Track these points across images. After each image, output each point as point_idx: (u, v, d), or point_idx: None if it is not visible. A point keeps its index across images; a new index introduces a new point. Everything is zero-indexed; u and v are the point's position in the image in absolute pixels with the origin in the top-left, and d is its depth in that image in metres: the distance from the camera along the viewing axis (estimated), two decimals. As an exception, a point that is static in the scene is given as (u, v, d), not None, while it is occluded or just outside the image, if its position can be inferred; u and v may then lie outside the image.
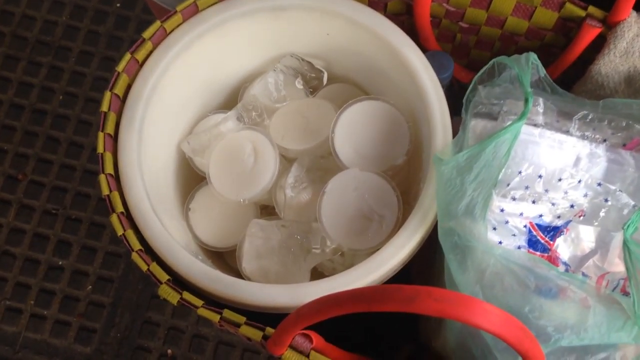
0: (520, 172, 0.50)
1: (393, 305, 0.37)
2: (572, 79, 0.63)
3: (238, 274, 0.63)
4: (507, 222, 0.51)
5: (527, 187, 0.50)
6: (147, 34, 0.57)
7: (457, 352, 0.56)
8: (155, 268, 0.52)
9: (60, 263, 0.93)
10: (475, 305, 0.35)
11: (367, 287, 0.38)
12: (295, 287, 0.53)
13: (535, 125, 0.53)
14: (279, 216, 0.63)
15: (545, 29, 0.62)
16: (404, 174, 0.63)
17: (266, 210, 0.68)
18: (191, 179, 0.67)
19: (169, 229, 0.57)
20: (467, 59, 0.70)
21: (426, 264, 0.62)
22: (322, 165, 0.63)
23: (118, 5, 1.02)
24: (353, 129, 0.61)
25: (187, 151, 0.65)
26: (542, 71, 0.55)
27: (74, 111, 0.98)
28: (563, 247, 0.51)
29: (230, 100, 0.69)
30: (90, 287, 0.92)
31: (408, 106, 0.61)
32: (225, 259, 0.69)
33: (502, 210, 0.51)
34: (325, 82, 0.67)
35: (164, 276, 0.52)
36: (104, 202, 0.51)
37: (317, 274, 0.64)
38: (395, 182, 0.59)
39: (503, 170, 0.49)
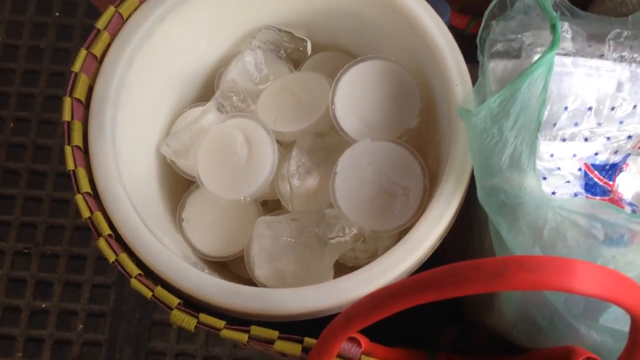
0: (566, 108, 0.43)
1: (475, 286, 0.29)
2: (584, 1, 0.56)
3: (248, 283, 0.55)
4: (558, 168, 0.44)
5: (576, 124, 0.44)
6: (101, 23, 0.49)
7: (520, 325, 0.49)
8: (162, 292, 0.44)
9: (43, 306, 0.84)
10: (581, 268, 0.28)
11: (435, 270, 0.31)
12: (326, 286, 0.45)
13: (566, 54, 0.46)
14: (287, 209, 0.56)
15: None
16: (416, 138, 0.56)
17: (265, 206, 0.60)
18: (179, 185, 0.59)
19: (164, 243, 0.49)
20: (460, 3, 0.63)
21: (462, 234, 0.55)
22: (325, 144, 0.55)
23: (57, 14, 0.92)
24: (355, 96, 0.53)
25: (168, 154, 0.57)
26: (557, -6, 0.49)
27: (28, 137, 0.89)
28: (625, 186, 0.44)
29: (207, 91, 0.61)
30: (81, 326, 0.83)
31: (412, 60, 0.53)
32: (230, 268, 0.61)
33: (552, 156, 0.44)
34: (310, 52, 0.60)
35: (173, 300, 0.44)
36: (79, 231, 0.44)
37: (337, 266, 0.56)
38: (411, 148, 0.52)
39: (546, 109, 0.42)
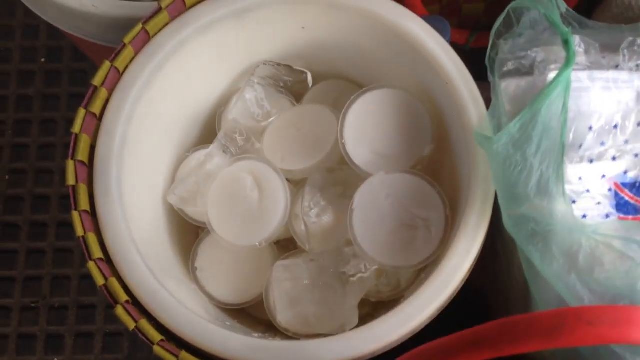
0: (591, 128, 0.42)
1: (531, 344, 0.28)
2: (587, 8, 0.55)
3: (269, 325, 0.53)
4: (588, 190, 0.42)
5: (603, 143, 0.42)
6: (97, 79, 0.47)
7: (559, 353, 0.47)
8: (187, 358, 0.42)
9: (55, 360, 0.82)
10: (644, 315, 0.27)
11: (487, 326, 0.29)
12: (360, 332, 0.44)
13: (581, 68, 0.45)
14: (304, 248, 0.54)
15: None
16: (430, 164, 0.54)
17: (278, 244, 0.58)
18: (188, 233, 0.57)
19: (181, 298, 0.47)
20: (458, 18, 0.61)
21: (486, 259, 0.54)
22: (337, 178, 0.53)
23: (43, 60, 0.90)
24: (364, 128, 0.51)
25: (175, 203, 0.55)
26: (563, 6, 0.47)
27: (25, 189, 0.87)
28: (657, 202, 0.43)
29: (207, 133, 0.59)
30: (96, 379, 0.81)
31: (419, 86, 0.52)
32: (249, 312, 0.59)
33: (580, 179, 0.42)
34: (311, 83, 0.58)
35: (200, 366, 0.42)
36: (86, 279, 0.42)
37: (360, 301, 0.55)
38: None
39: (571, 131, 0.41)
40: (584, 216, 0.43)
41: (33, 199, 0.86)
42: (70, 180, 0.45)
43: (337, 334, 0.50)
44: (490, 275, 0.57)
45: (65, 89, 0.89)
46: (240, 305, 0.55)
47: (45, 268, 0.85)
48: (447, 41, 0.56)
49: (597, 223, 0.40)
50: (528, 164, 0.41)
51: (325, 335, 0.51)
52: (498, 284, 0.56)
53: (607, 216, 0.43)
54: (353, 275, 0.51)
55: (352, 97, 0.52)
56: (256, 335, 0.50)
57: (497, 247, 0.52)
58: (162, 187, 0.55)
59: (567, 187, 0.42)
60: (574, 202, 0.43)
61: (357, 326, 0.49)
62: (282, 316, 0.52)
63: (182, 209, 0.56)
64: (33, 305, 0.84)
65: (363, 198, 0.50)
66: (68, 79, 0.90)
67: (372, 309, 0.56)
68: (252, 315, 0.59)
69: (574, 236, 0.41)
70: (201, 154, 0.57)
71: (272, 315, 0.52)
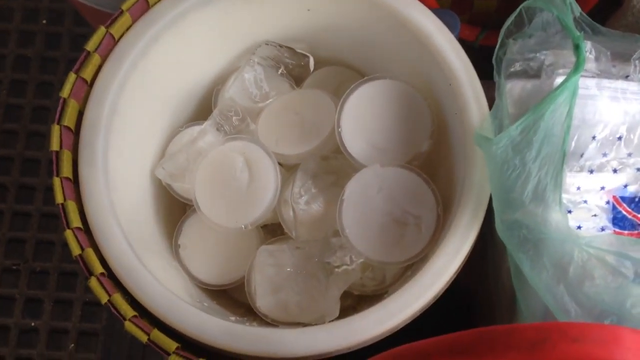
0: (594, 137, 0.40)
1: (509, 356, 0.27)
2: (602, 14, 0.53)
3: (249, 309, 0.52)
4: (585, 201, 0.41)
5: (605, 154, 0.41)
6: (91, 45, 0.45)
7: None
8: (158, 336, 0.41)
9: (32, 324, 0.81)
10: (630, 338, 0.25)
11: (465, 334, 0.28)
12: (337, 326, 0.42)
13: (589, 75, 0.43)
14: (290, 235, 0.53)
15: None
16: (426, 161, 0.53)
17: (265, 228, 0.57)
18: (175, 209, 0.56)
19: (160, 275, 0.46)
20: (469, 13, 0.60)
21: (474, 259, 0.53)
22: (331, 167, 0.52)
23: (44, 22, 0.89)
24: (362, 118, 0.50)
25: (163, 178, 0.54)
26: (577, 9, 0.46)
27: (15, 151, 0.85)
28: (655, 219, 0.42)
29: (203, 109, 0.57)
30: (72, 345, 0.80)
31: (422, 80, 0.50)
32: (230, 294, 0.58)
33: (578, 189, 0.41)
34: (313, 68, 0.56)
35: (171, 345, 0.41)
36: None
37: (343, 293, 0.53)
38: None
39: (573, 139, 0.40)
40: (579, 227, 0.42)
41: (22, 161, 0.85)
42: (54, 146, 0.43)
43: (316, 324, 0.49)
44: (478, 276, 0.55)
45: (65, 53, 0.88)
46: (220, 287, 0.54)
47: (30, 231, 0.83)
48: (456, 37, 0.54)
49: (592, 235, 0.39)
50: (526, 169, 0.40)
51: (304, 325, 0.50)
52: (485, 285, 0.55)
53: (603, 229, 0.42)
54: (338, 267, 0.50)
55: (352, 86, 0.50)
56: (233, 319, 0.48)
57: (487, 249, 0.51)
58: (152, 160, 0.53)
59: (564, 196, 0.41)
60: (569, 211, 0.42)
61: (338, 318, 0.48)
62: (262, 302, 0.50)
63: (169, 185, 0.54)
64: (14, 267, 0.83)
65: (355, 189, 0.48)
66: (68, 43, 0.88)
67: (354, 302, 0.55)
68: (233, 298, 0.58)
69: (566, 247, 0.39)
70: (194, 130, 0.55)
71: (252, 299, 0.51)
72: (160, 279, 0.45)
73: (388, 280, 0.52)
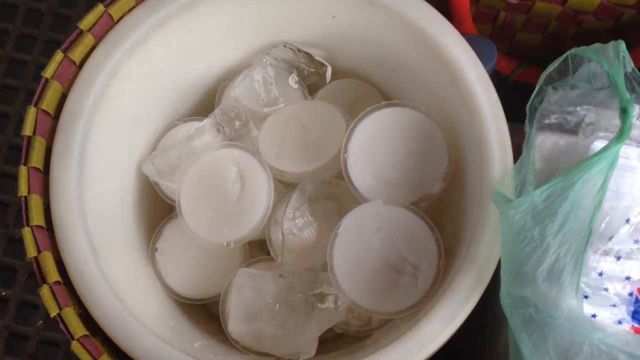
0: (628, 221, 0.35)
1: None
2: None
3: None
4: (605, 289, 0.36)
5: (637, 241, 0.36)
6: (85, 23, 0.41)
7: None
8: (107, 363, 0.36)
9: (3, 294, 0.77)
10: None
11: None
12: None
13: (635, 145, 0.38)
14: (275, 259, 0.48)
15: (624, 4, 0.46)
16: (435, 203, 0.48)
17: (254, 243, 0.52)
18: (159, 210, 0.52)
19: (127, 284, 0.42)
20: (508, 44, 0.54)
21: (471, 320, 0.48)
22: (331, 193, 0.47)
23: (63, -23, 0.84)
24: (372, 146, 0.45)
25: (150, 174, 0.49)
26: (630, 64, 0.40)
27: (13, 108, 0.81)
28: (681, 319, 0.37)
29: (204, 104, 0.53)
30: (40, 322, 0.76)
31: (445, 114, 0.45)
32: (208, 306, 0.54)
33: (600, 274, 0.36)
34: (329, 78, 0.52)
35: (119, 374, 0.36)
36: None
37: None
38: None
39: (606, 218, 0.35)
40: (593, 315, 0.37)
41: (19, 122, 0.80)
42: (27, 130, 0.39)
43: (290, 359, 0.45)
44: (471, 334, 0.51)
45: (80, 14, 0.83)
46: (194, 301, 0.50)
47: (14, 195, 0.79)
48: (491, 68, 0.50)
49: (609, 333, 0.34)
50: (545, 242, 0.35)
51: (277, 358, 0.46)
52: (477, 346, 0.51)
53: (620, 322, 0.37)
54: (322, 303, 0.46)
55: (367, 109, 0.45)
56: (197, 345, 0.44)
57: (487, 310, 0.46)
58: (139, 156, 0.49)
59: (583, 279, 0.36)
60: (586, 296, 0.37)
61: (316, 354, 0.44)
62: (235, 327, 0.46)
63: (157, 183, 0.50)
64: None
65: (351, 224, 0.44)
66: (85, 4, 0.83)
67: (335, 335, 0.51)
68: (208, 310, 0.54)
69: (576, 337, 0.35)
70: (192, 126, 0.51)
71: (224, 322, 0.47)
72: (125, 288, 0.41)
73: (374, 324, 0.48)
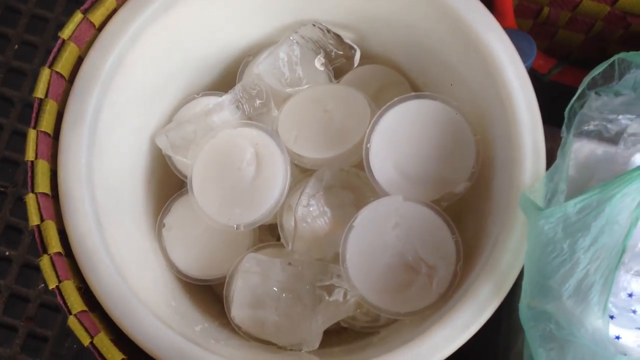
0: (667, 242, 0.33)
1: None
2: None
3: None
4: (634, 311, 0.34)
5: (673, 264, 0.34)
6: (108, -16, 0.39)
7: None
8: (103, 343, 0.35)
9: (7, 253, 0.76)
10: None
11: None
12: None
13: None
14: (285, 247, 0.46)
15: (677, 11, 0.44)
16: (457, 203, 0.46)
17: (264, 226, 0.51)
18: (171, 185, 0.50)
19: (130, 259, 0.40)
20: (549, 42, 0.52)
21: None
22: (349, 182, 0.45)
23: None
24: (397, 138, 0.43)
25: (163, 147, 0.47)
26: (681, 75, 0.38)
27: (31, 65, 0.79)
28: None
29: (225, 79, 0.51)
30: (42, 285, 0.75)
31: (477, 111, 0.43)
32: (213, 288, 0.52)
33: (630, 295, 0.34)
34: (357, 62, 0.49)
35: (116, 356, 0.35)
36: None
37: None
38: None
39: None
40: (617, 337, 0.35)
41: (35, 80, 0.79)
42: (39, 92, 0.37)
43: (292, 350, 0.44)
44: (485, 338, 0.49)
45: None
46: (197, 281, 0.48)
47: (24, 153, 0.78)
48: (528, 65, 0.47)
49: (631, 355, 0.32)
50: (575, 257, 0.33)
51: (278, 347, 0.44)
52: (489, 353, 0.49)
53: (645, 347, 0.35)
54: (330, 296, 0.44)
55: (395, 99, 0.43)
56: (198, 328, 0.43)
57: (502, 317, 0.44)
58: (153, 128, 0.47)
59: (611, 299, 0.34)
60: (612, 317, 0.35)
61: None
62: (238, 312, 0.45)
63: (170, 157, 0.48)
64: (1, 189, 0.77)
65: (368, 217, 0.42)
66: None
67: (339, 328, 0.49)
68: (214, 292, 0.53)
69: (598, 359, 0.33)
70: (210, 100, 0.49)
71: (227, 305, 0.46)
72: (129, 264, 0.39)
73: (382, 321, 0.46)
